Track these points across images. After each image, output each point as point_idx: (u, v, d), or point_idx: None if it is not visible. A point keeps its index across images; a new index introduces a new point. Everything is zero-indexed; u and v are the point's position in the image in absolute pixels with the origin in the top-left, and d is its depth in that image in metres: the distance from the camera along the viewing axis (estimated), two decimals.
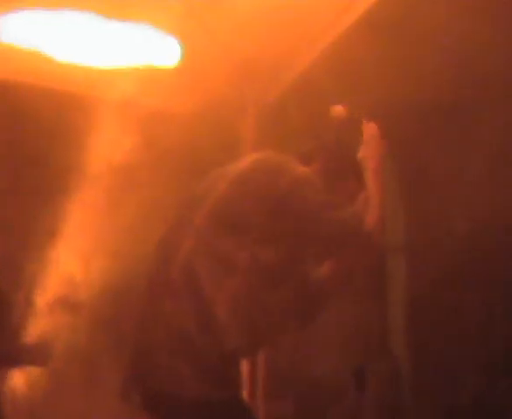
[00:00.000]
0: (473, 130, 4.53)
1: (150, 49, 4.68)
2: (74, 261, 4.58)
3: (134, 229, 4.49)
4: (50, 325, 4.49)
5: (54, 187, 4.50)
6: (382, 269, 5.37)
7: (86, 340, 4.51)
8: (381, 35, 4.11)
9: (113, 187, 4.49)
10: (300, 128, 4.53)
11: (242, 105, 5.17)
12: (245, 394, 4.31)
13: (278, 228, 2.76)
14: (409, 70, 4.17)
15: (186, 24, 4.52)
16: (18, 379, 4.43)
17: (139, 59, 4.70)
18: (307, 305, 3.00)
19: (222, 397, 2.64)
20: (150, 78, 4.63)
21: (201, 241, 2.76)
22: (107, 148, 4.46)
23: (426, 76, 4.23)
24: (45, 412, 4.58)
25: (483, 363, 4.93)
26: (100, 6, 4.33)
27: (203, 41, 4.71)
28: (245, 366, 4.69)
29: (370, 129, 3.07)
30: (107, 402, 4.55)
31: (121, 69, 4.64)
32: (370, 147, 3.03)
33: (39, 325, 4.47)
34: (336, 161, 3.11)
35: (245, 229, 2.75)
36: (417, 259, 5.22)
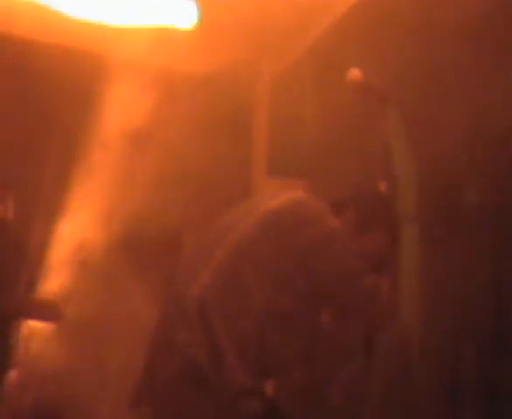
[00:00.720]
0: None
1: (168, 10, 4.67)
2: (87, 220, 4.60)
3: (147, 189, 4.50)
4: (62, 281, 4.53)
5: (66, 146, 4.51)
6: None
7: (96, 298, 4.54)
8: (396, 1, 4.08)
9: (125, 147, 4.49)
10: (313, 94, 4.52)
11: (257, 69, 5.16)
12: None
13: (299, 279, 2.73)
14: (421, 34, 4.14)
15: None
16: (30, 335, 4.47)
17: (156, 20, 4.69)
18: (315, 355, 2.98)
19: None
20: (167, 39, 4.62)
21: (219, 277, 2.74)
22: (120, 108, 4.46)
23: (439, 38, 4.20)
24: (56, 370, 4.62)
25: (491, 336, 4.94)
26: None
27: (220, 4, 4.69)
28: None
29: None
30: (117, 361, 4.61)
31: (138, 29, 4.63)
32: None
33: (52, 281, 4.50)
34: (370, 212, 3.05)
35: (265, 272, 2.72)
36: (429, 230, 5.20)
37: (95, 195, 4.53)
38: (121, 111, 4.50)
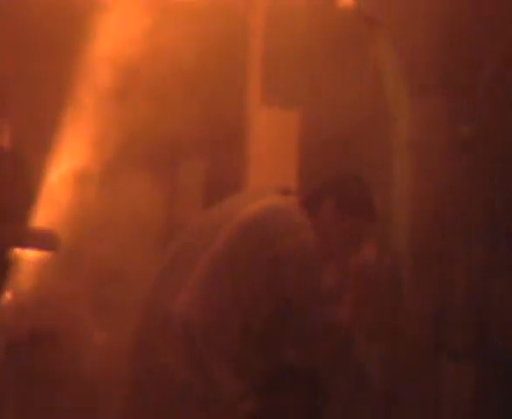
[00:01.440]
0: None
1: None
2: (85, 140, 4.61)
3: (141, 114, 4.53)
4: (61, 201, 4.56)
5: (62, 71, 4.50)
6: (388, 165, 5.40)
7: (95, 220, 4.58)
8: None
9: (120, 72, 4.49)
10: (308, 21, 4.51)
11: None
12: None
13: (273, 289, 2.74)
14: None
15: None
16: (27, 264, 4.52)
17: None
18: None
19: None
20: None
21: (199, 293, 2.74)
22: (114, 33, 4.44)
23: None
24: (52, 294, 4.68)
25: (483, 263, 5.01)
26: None
27: None
28: None
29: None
30: (114, 287, 4.68)
31: None
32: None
33: (49, 209, 4.54)
34: (352, 197, 3.03)
35: (242, 284, 2.73)
36: (423, 157, 5.24)
37: (92, 116, 4.53)
38: (115, 35, 4.48)
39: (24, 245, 4.37)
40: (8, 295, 4.45)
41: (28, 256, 4.44)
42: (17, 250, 4.39)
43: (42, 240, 4.36)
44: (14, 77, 4.58)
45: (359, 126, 5.19)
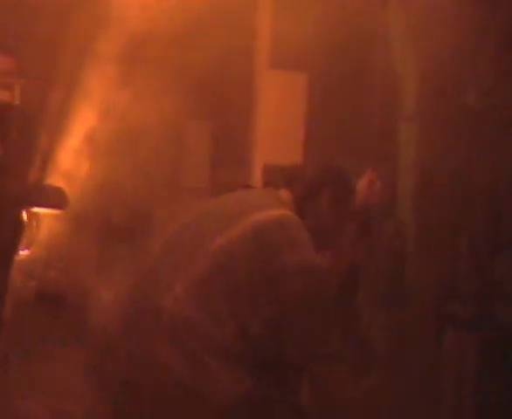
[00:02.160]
0: None
1: None
2: (94, 105, 4.60)
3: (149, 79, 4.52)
4: (73, 163, 4.56)
5: (77, 35, 4.49)
6: (394, 136, 5.41)
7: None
8: None
9: (131, 35, 4.47)
10: None
11: None
12: None
13: (268, 305, 2.69)
14: None
15: None
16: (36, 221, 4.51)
17: None
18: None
19: None
20: None
21: (193, 292, 2.66)
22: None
23: None
24: (60, 255, 4.69)
25: (487, 235, 5.02)
26: None
27: None
28: None
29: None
30: (120, 251, 4.69)
31: None
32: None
33: (59, 166, 4.54)
34: (347, 186, 3.05)
35: (238, 296, 2.66)
36: (428, 128, 5.24)
37: (103, 81, 4.52)
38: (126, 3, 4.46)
39: (32, 202, 4.36)
40: (17, 254, 4.45)
41: (36, 215, 4.44)
42: (27, 209, 4.39)
43: (51, 197, 4.36)
44: (27, 36, 4.56)
45: (366, 94, 5.20)
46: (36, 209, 4.42)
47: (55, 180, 4.50)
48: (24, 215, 4.36)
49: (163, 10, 4.54)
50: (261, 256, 2.67)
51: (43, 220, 4.50)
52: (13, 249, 4.36)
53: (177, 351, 2.62)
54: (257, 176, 4.93)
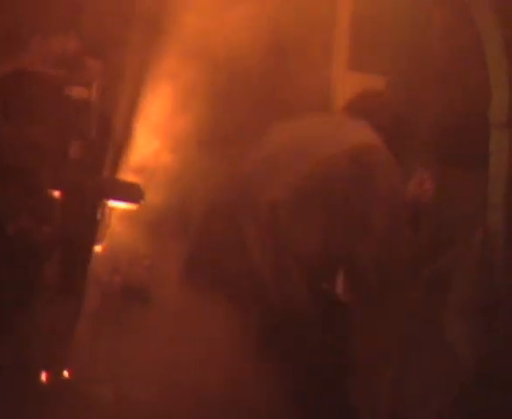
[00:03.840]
0: None
1: None
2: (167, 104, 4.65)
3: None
4: (148, 157, 4.61)
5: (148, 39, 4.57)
6: (485, 144, 5.32)
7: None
8: None
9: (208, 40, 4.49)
10: None
11: None
12: None
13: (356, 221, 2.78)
14: None
15: None
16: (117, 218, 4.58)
17: None
18: None
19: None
20: None
21: (293, 195, 2.76)
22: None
23: None
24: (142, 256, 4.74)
25: None
26: None
27: None
28: None
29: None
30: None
31: None
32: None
33: (135, 162, 4.60)
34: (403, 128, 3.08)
35: (334, 211, 2.76)
36: None
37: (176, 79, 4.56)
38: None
39: (110, 197, 4.44)
40: (100, 248, 4.52)
41: (117, 210, 4.51)
42: (106, 204, 4.46)
43: (127, 192, 4.43)
44: (107, 42, 4.64)
45: (453, 100, 5.13)
46: (112, 204, 4.48)
47: (132, 175, 4.56)
48: (101, 209, 4.44)
49: (249, 16, 4.56)
50: (357, 179, 2.74)
51: (121, 215, 4.56)
52: (91, 242, 4.45)
53: (265, 239, 2.70)
54: None
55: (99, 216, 4.48)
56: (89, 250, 4.48)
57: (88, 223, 4.43)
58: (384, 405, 4.08)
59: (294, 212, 2.75)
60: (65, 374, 4.24)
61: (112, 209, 4.47)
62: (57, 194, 4.25)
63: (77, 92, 4.16)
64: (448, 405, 4.73)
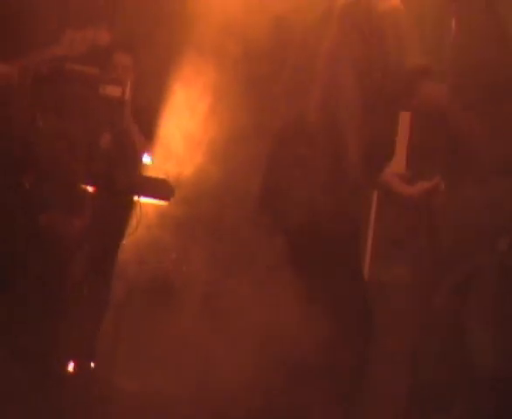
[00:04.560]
0: None
1: None
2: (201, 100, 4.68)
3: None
4: (185, 158, 4.66)
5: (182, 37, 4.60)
6: None
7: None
8: None
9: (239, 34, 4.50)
10: None
11: None
12: None
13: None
14: None
15: None
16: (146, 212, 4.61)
17: None
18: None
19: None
20: None
21: (325, 96, 2.99)
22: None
23: None
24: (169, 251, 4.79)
25: None
26: None
27: None
28: None
29: None
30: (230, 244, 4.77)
31: None
32: None
33: (166, 160, 4.64)
34: None
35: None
36: None
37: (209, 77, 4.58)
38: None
39: (139, 193, 4.49)
40: (127, 241, 4.58)
41: (146, 205, 4.56)
42: (136, 199, 4.51)
43: (158, 189, 4.49)
44: (139, 42, 4.69)
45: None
46: (143, 200, 4.54)
47: (165, 172, 4.61)
48: (131, 204, 4.49)
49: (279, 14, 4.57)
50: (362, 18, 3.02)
51: (151, 210, 4.62)
52: (119, 237, 4.52)
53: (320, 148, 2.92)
54: None
55: (129, 211, 4.54)
56: (117, 244, 4.55)
57: (118, 218, 4.50)
58: None
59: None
60: (92, 365, 4.31)
61: (142, 203, 4.53)
62: (89, 188, 4.33)
63: (111, 90, 4.22)
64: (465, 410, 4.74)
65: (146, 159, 4.68)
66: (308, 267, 2.98)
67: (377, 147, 3.06)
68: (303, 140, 3.00)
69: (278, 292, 3.03)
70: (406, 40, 3.04)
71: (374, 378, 3.26)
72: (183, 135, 4.70)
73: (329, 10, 3.14)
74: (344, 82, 3.00)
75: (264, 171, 3.18)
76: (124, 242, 4.51)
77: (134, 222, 4.49)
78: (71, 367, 4.26)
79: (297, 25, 3.49)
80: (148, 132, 4.62)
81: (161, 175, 4.59)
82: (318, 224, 2.90)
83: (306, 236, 2.96)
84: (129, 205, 4.48)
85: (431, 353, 4.61)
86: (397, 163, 5.19)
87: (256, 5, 4.23)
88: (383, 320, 3.32)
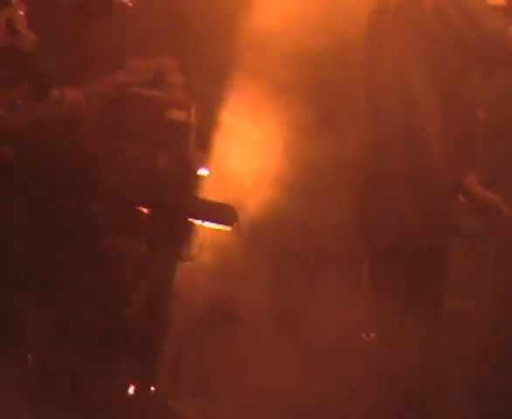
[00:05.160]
0: None
1: None
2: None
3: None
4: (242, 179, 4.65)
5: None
6: None
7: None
8: None
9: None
10: None
11: None
12: None
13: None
14: None
15: None
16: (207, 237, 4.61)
17: None
18: None
19: None
20: None
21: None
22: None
23: None
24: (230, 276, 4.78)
25: None
26: None
27: None
28: None
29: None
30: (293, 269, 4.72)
31: None
32: None
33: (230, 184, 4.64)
34: None
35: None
36: None
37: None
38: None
39: (202, 218, 4.47)
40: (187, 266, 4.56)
41: (207, 229, 4.55)
42: (197, 222, 4.50)
43: (221, 214, 4.46)
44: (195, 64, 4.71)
45: None
46: (206, 224, 4.52)
47: (228, 197, 4.60)
48: (196, 228, 4.48)
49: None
50: None
51: (214, 234, 4.61)
52: (177, 261, 4.49)
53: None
54: None
55: (188, 235, 4.53)
56: (175, 269, 4.53)
57: (176, 242, 4.49)
58: None
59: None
60: (152, 389, 4.31)
61: (205, 228, 4.52)
62: (152, 213, 4.34)
63: (176, 114, 4.25)
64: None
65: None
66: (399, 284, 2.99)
67: (460, 147, 3.08)
68: (388, 163, 3.12)
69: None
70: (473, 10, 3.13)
71: None
72: (247, 163, 4.69)
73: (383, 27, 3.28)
74: (415, 89, 3.04)
75: (356, 203, 3.32)
76: (187, 267, 4.51)
77: (196, 247, 4.49)
78: (131, 390, 4.28)
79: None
80: (209, 155, 4.64)
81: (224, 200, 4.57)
82: (410, 240, 2.93)
83: (397, 254, 2.98)
84: (192, 230, 4.48)
85: None
86: None
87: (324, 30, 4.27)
88: None
